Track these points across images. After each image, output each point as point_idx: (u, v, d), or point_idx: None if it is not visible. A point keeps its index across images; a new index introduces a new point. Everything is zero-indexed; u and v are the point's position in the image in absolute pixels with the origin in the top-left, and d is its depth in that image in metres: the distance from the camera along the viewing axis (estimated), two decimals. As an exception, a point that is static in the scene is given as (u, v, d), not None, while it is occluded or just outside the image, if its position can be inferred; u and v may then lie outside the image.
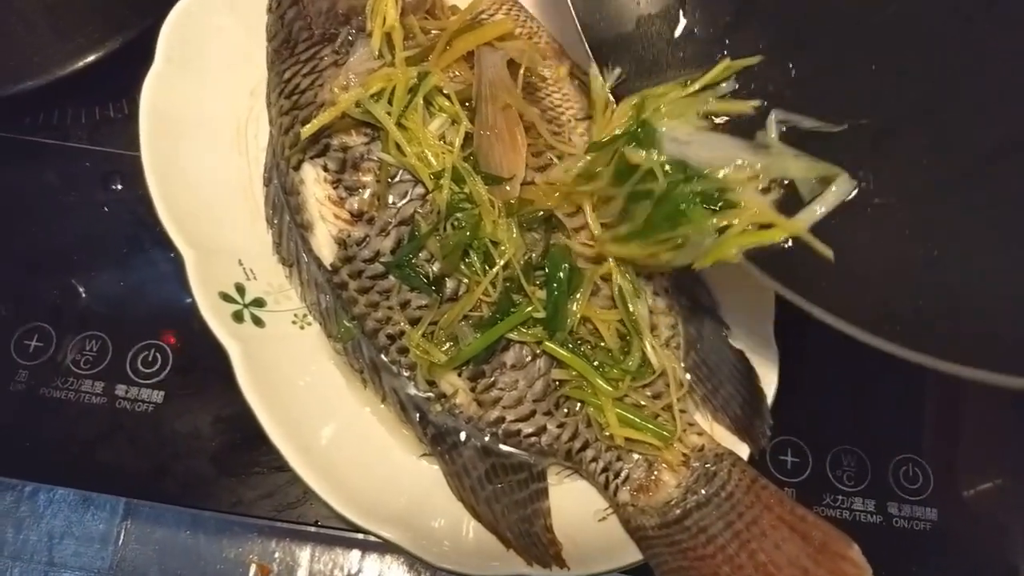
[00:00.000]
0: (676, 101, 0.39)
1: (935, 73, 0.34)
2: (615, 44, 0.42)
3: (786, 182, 0.36)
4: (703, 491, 0.41)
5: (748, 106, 0.38)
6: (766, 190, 0.36)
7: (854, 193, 0.34)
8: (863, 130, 0.35)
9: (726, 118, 0.39)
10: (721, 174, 0.36)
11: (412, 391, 0.46)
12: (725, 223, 0.35)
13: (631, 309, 0.44)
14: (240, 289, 0.47)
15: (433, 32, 0.47)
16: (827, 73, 0.37)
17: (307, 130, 0.44)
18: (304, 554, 0.52)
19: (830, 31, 0.37)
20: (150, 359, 0.51)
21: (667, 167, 0.37)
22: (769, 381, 0.44)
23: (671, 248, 0.38)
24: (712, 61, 0.39)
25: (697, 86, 0.39)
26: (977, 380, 0.27)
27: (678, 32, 0.41)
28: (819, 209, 0.34)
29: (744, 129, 0.38)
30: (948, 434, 0.52)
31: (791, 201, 0.35)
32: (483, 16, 0.48)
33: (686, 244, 0.37)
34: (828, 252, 0.33)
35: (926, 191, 0.33)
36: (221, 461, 0.49)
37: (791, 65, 0.38)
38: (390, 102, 0.44)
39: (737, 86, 0.39)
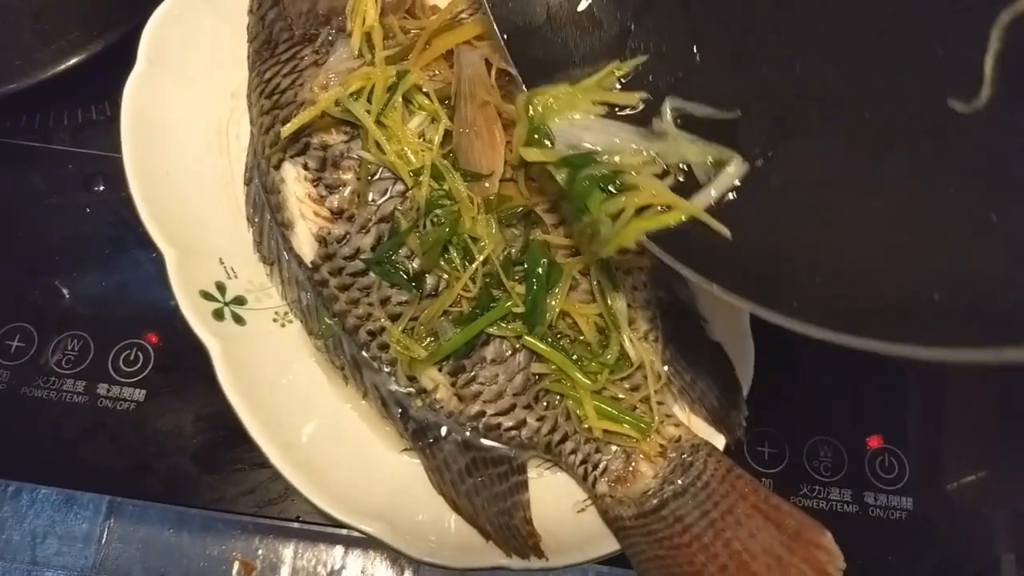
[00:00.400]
0: (566, 95, 0.39)
1: (827, 57, 0.35)
2: (525, 36, 0.42)
3: (685, 167, 0.37)
4: (679, 481, 0.42)
5: (635, 98, 0.39)
6: (664, 174, 0.37)
7: (745, 172, 0.35)
8: (759, 115, 0.36)
9: (629, 109, 0.39)
10: (617, 159, 0.37)
11: (393, 387, 0.46)
12: (623, 207, 0.36)
13: (609, 303, 0.45)
14: (221, 287, 0.48)
15: (413, 31, 0.47)
16: (724, 61, 0.38)
17: (287, 129, 0.45)
18: (287, 551, 0.52)
19: (726, 21, 0.38)
20: (132, 358, 0.51)
21: (572, 160, 0.38)
22: (745, 373, 0.45)
23: (588, 238, 0.38)
24: (619, 50, 0.40)
25: (586, 81, 0.40)
26: (871, 350, 0.28)
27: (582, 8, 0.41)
28: (713, 191, 0.35)
29: (643, 119, 0.39)
30: (926, 424, 0.52)
31: (690, 186, 0.36)
32: (462, 16, 0.48)
33: (596, 232, 0.37)
34: (725, 230, 0.34)
35: (820, 171, 0.34)
36: (203, 459, 0.49)
37: (694, 52, 0.38)
38: (369, 100, 0.44)
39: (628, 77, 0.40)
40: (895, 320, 0.28)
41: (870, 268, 0.31)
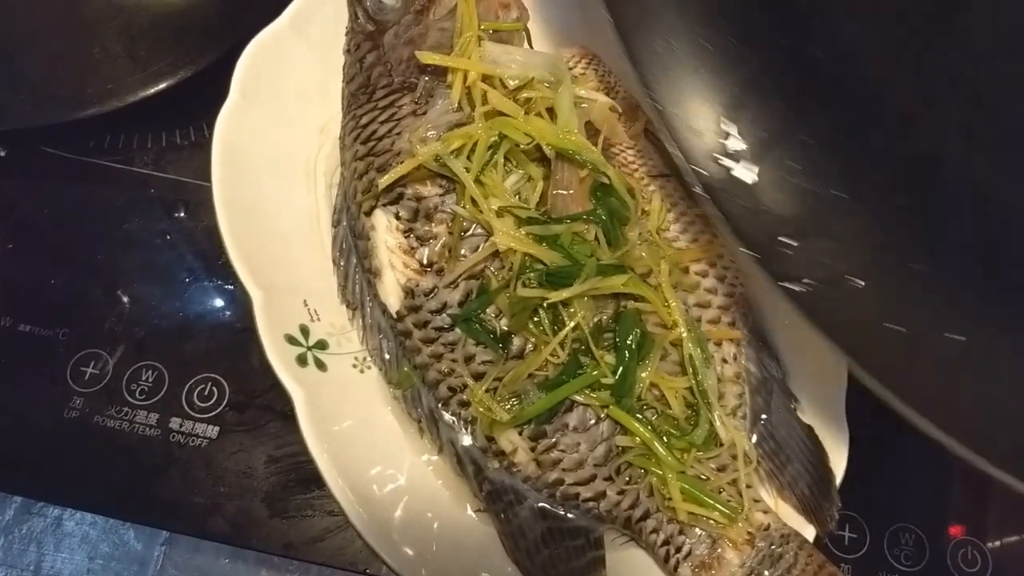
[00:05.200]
0: None
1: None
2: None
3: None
4: (767, 573, 0.41)
5: None
6: None
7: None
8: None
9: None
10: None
11: (469, 445, 0.45)
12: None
13: (700, 379, 0.43)
14: (304, 331, 0.47)
15: (512, 84, 0.46)
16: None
17: (385, 180, 0.44)
18: (346, 597, 0.52)
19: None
20: (206, 393, 0.51)
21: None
22: (838, 460, 0.43)
23: None
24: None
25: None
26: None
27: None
28: None
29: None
30: (1010, 518, 0.51)
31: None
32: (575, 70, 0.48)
33: None
34: None
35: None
36: (273, 502, 0.49)
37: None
38: (469, 158, 0.44)
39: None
40: None
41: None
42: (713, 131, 0.38)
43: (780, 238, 0.36)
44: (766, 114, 0.38)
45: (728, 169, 0.37)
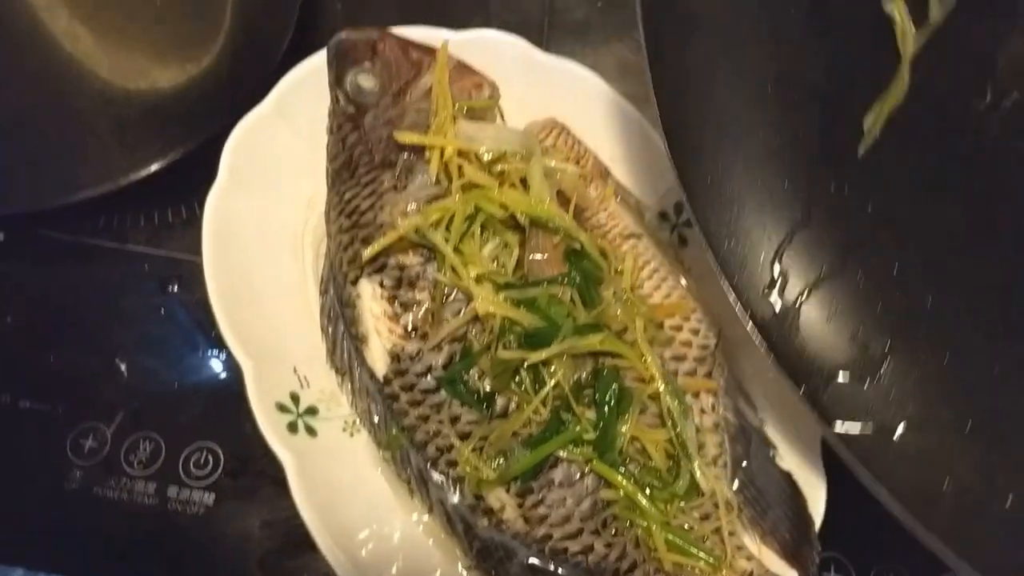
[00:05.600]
0: None
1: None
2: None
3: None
4: (752, 618, 0.42)
5: None
6: None
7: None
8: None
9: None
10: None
11: (458, 504, 0.47)
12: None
13: (679, 430, 0.45)
14: (295, 398, 0.49)
15: (486, 158, 0.49)
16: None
17: (369, 252, 0.47)
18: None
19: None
20: (202, 461, 0.52)
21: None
22: (817, 505, 0.45)
23: None
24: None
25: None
26: None
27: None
28: None
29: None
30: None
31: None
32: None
33: None
34: None
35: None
36: (268, 566, 0.50)
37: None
38: (448, 229, 0.46)
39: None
40: None
41: None
42: (763, 268, 0.39)
43: (832, 379, 0.37)
44: (817, 255, 0.39)
45: (774, 306, 0.38)
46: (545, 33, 0.70)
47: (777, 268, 0.39)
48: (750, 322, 0.38)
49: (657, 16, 0.40)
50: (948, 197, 0.39)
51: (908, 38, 0.38)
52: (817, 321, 0.39)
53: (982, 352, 0.37)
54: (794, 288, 0.39)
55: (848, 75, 0.40)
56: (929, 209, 0.39)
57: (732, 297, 0.39)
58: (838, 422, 0.36)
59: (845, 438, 0.36)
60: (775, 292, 0.39)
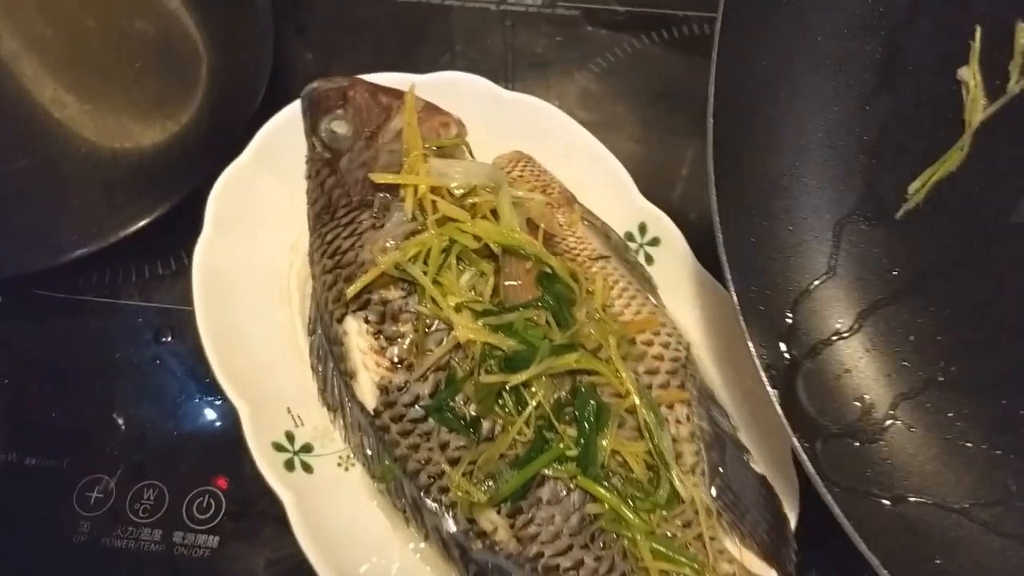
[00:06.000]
0: None
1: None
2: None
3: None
4: (738, 619, 0.43)
5: None
6: None
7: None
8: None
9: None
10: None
11: (453, 529, 0.48)
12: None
13: (656, 442, 0.47)
14: (290, 437, 0.51)
15: (458, 193, 0.51)
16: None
17: (352, 289, 0.49)
18: None
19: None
20: (205, 505, 0.54)
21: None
22: (792, 505, 0.47)
23: None
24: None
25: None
26: None
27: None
28: None
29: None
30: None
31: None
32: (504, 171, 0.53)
33: None
34: None
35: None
36: (274, 604, 0.51)
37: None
38: (425, 262, 0.48)
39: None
40: None
41: None
42: (779, 315, 0.39)
43: (831, 436, 0.37)
44: (835, 311, 0.40)
45: (785, 356, 0.38)
46: (509, 68, 0.73)
47: (791, 317, 0.39)
48: (762, 372, 0.38)
49: (726, 70, 0.38)
50: (976, 275, 0.38)
51: (977, 107, 0.36)
52: (827, 376, 0.39)
53: (984, 440, 0.37)
54: (808, 339, 0.39)
55: (903, 136, 0.39)
56: (955, 284, 0.38)
57: (745, 337, 0.38)
58: (828, 481, 0.37)
59: (835, 495, 0.37)
60: (788, 340, 0.39)
